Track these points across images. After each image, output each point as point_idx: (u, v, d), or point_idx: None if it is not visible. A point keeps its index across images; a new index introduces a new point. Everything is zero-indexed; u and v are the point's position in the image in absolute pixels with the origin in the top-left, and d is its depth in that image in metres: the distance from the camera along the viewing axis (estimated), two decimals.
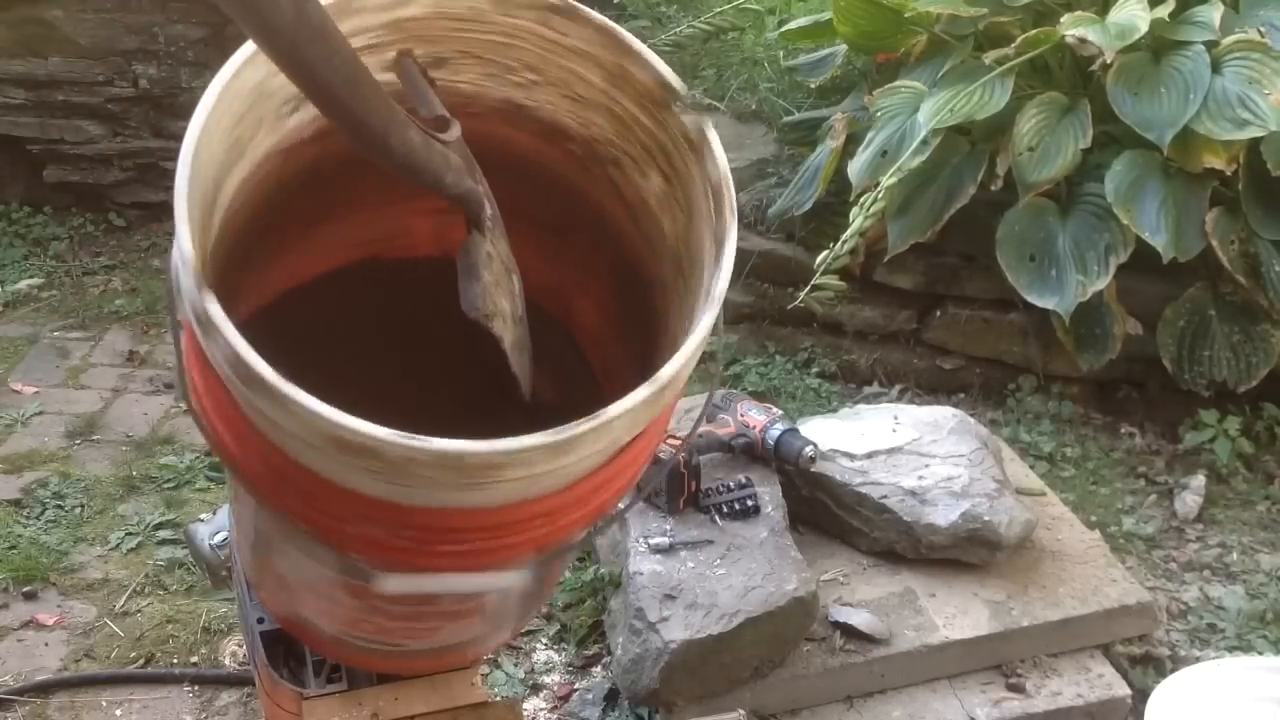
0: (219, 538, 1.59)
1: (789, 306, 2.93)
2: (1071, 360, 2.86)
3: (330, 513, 1.00)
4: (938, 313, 3.09)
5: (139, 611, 2.37)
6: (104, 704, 2.17)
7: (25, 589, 2.42)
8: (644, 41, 1.12)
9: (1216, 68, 2.64)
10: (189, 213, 0.91)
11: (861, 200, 2.74)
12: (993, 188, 2.82)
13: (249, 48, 0.97)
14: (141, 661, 2.26)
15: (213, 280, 0.91)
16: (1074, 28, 2.68)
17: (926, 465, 2.26)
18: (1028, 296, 2.74)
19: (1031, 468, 2.64)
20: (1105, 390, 3.01)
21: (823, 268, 2.72)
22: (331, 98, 0.85)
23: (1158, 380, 2.89)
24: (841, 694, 2.04)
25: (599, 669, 2.22)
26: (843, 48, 3.35)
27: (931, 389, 3.12)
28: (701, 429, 2.30)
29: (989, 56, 2.84)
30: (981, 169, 2.82)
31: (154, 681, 2.21)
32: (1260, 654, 2.22)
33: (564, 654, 2.26)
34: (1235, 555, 2.51)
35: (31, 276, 3.81)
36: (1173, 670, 2.09)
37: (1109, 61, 2.64)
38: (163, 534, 2.58)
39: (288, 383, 0.87)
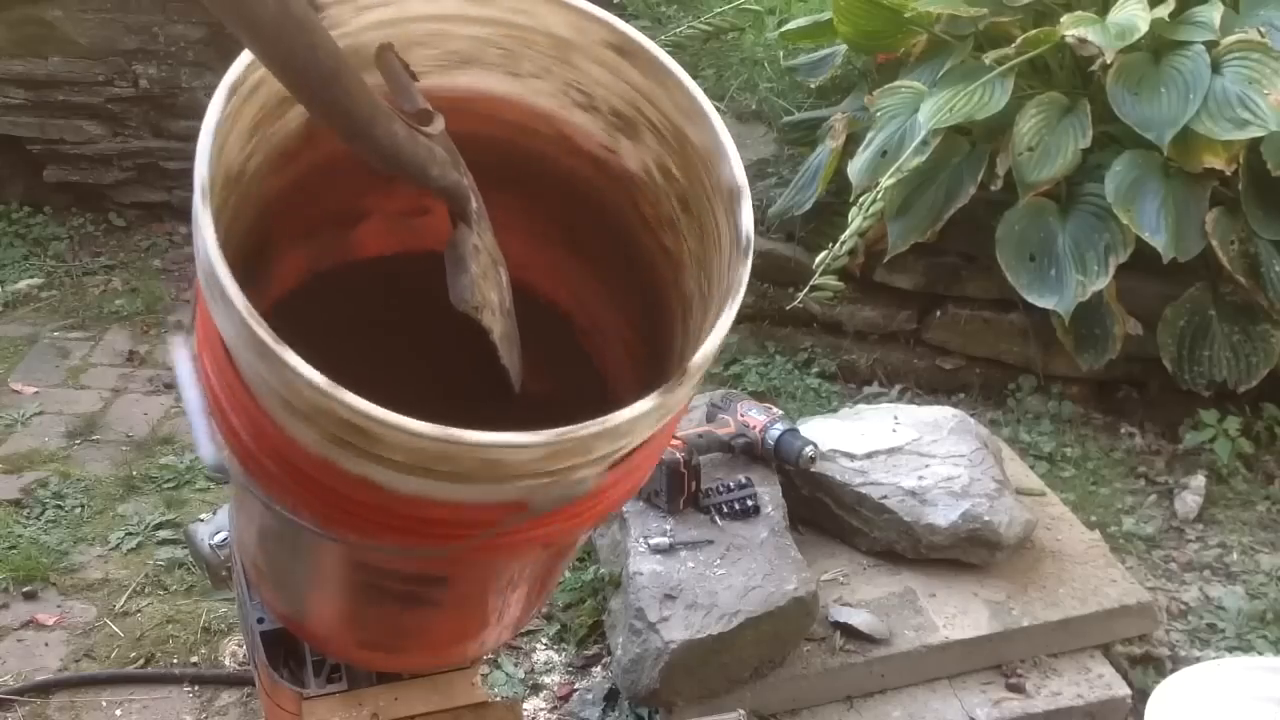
0: (219, 538, 1.59)
1: (789, 306, 2.93)
2: (1071, 360, 2.86)
3: (346, 508, 1.01)
4: (938, 313, 3.08)
5: (139, 611, 2.37)
6: (104, 704, 2.17)
7: (25, 589, 2.42)
8: None
9: (1216, 68, 2.64)
10: (209, 184, 0.92)
11: (861, 200, 2.74)
12: (993, 188, 2.82)
13: None
14: (141, 661, 2.26)
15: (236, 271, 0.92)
16: (1074, 28, 2.68)
17: (926, 465, 2.26)
18: (1028, 296, 2.74)
19: (1031, 468, 2.64)
20: (1105, 390, 3.01)
21: (822, 268, 2.72)
22: (315, 91, 0.85)
23: (1158, 380, 2.89)
24: (841, 694, 2.04)
25: (599, 669, 2.22)
26: (843, 48, 3.35)
27: (931, 389, 3.12)
28: (701, 429, 2.30)
29: (989, 56, 2.84)
30: (981, 169, 2.82)
31: (154, 681, 2.21)
32: (1260, 654, 2.22)
33: (564, 654, 2.26)
34: (1235, 555, 2.51)
35: (31, 276, 3.81)
36: (1173, 670, 2.09)
37: (1109, 61, 2.64)
38: (163, 534, 2.58)
39: (332, 383, 0.88)
